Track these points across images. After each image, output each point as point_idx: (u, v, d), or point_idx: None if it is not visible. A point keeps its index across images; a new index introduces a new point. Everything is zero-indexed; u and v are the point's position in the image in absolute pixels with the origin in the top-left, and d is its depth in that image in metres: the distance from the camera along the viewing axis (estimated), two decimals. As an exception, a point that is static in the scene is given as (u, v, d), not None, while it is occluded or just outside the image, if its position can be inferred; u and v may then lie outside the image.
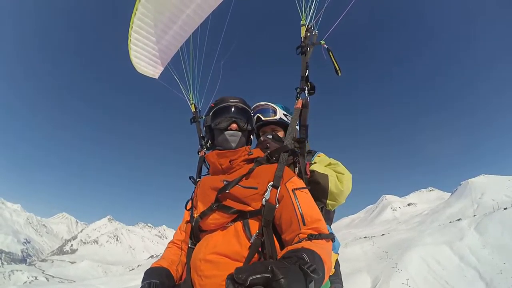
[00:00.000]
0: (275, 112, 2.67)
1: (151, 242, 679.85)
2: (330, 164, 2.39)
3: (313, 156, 2.54)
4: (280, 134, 2.63)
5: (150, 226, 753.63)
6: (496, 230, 31.54)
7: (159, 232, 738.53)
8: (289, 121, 2.58)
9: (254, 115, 2.66)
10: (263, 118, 2.70)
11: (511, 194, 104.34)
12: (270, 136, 2.47)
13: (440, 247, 31.20)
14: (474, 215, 56.81)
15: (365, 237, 64.74)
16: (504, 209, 44.23)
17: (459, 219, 54.04)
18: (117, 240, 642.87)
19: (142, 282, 1.71)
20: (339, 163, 2.39)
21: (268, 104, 2.73)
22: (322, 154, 2.57)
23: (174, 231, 2.22)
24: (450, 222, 56.72)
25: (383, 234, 62.82)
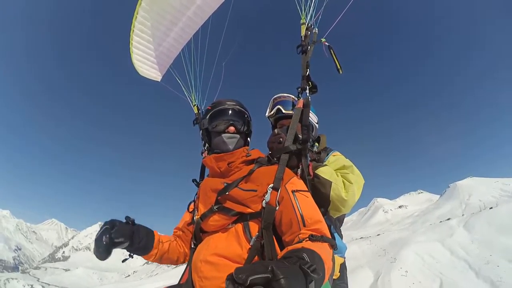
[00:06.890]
0: None
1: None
2: (343, 167, 2.24)
3: (327, 154, 2.37)
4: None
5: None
6: (483, 227, 33.31)
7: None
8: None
9: (274, 106, 2.60)
10: (283, 111, 2.54)
11: (496, 194, 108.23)
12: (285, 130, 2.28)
13: (433, 243, 32.47)
14: (463, 215, 58.29)
15: (361, 238, 65.37)
16: (490, 208, 45.63)
17: (448, 219, 54.75)
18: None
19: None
20: (353, 167, 2.24)
21: (290, 97, 2.59)
22: (338, 153, 2.39)
23: None
24: (440, 221, 57.30)
25: (378, 234, 62.22)
